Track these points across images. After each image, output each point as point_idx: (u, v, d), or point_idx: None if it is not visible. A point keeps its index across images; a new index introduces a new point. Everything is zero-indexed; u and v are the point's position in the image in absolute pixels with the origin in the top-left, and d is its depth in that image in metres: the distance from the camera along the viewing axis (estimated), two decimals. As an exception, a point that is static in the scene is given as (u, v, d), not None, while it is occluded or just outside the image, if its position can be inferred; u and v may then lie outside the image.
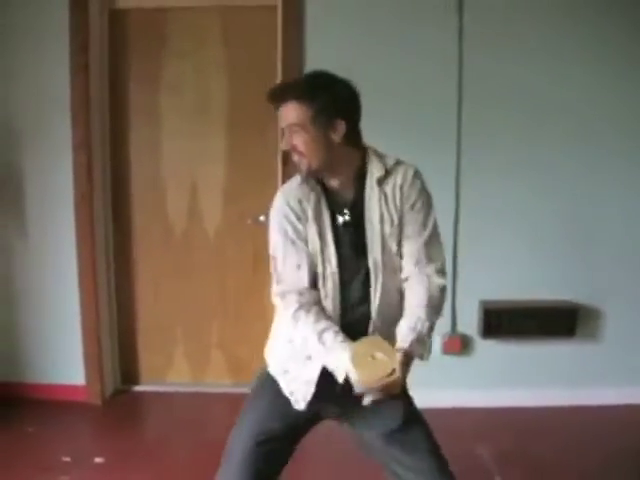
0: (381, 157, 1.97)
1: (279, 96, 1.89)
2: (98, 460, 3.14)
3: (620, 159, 3.63)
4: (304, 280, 1.93)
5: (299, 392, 1.96)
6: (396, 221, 1.93)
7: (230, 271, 3.89)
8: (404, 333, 1.86)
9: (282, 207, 1.95)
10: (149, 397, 3.93)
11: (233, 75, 3.73)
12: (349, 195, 1.96)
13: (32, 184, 3.65)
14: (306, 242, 1.93)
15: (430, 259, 1.95)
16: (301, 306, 1.90)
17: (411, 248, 1.94)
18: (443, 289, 1.96)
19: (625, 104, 3.59)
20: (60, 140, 3.57)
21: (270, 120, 3.60)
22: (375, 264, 1.92)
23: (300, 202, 1.93)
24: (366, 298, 1.94)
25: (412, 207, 1.94)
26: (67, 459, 3.13)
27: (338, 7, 3.51)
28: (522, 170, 3.61)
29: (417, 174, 1.96)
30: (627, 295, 3.72)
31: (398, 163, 1.97)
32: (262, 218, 3.74)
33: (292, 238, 1.93)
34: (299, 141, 1.87)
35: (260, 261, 3.84)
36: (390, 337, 1.87)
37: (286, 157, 3.57)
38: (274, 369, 2.06)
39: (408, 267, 1.95)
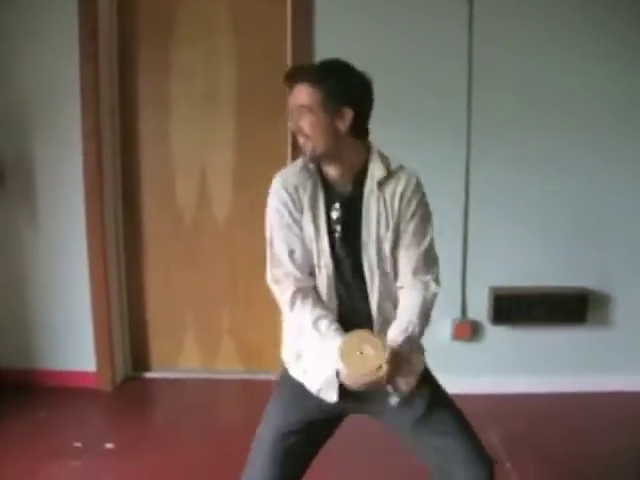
0: (384, 158, 1.96)
1: (293, 77, 1.92)
2: (109, 446, 3.16)
3: (629, 148, 3.62)
4: (299, 266, 1.93)
5: (323, 386, 1.93)
6: (392, 226, 1.92)
7: (240, 258, 3.90)
8: (395, 333, 1.86)
9: (279, 191, 1.94)
10: (159, 383, 3.95)
11: (242, 63, 3.73)
12: (346, 189, 1.95)
13: (42, 173, 3.66)
14: (301, 229, 1.92)
15: (427, 267, 1.96)
16: (298, 290, 1.91)
17: (409, 257, 1.94)
18: (435, 296, 1.96)
19: (632, 95, 3.58)
20: (70, 129, 3.58)
21: (279, 108, 3.61)
22: (370, 264, 1.92)
23: (297, 189, 1.93)
24: (362, 296, 1.94)
25: (412, 216, 1.93)
26: (78, 444, 3.16)
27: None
28: (532, 159, 3.60)
29: (420, 183, 1.96)
30: (638, 281, 3.71)
31: (401, 168, 1.96)
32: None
33: (288, 223, 1.92)
34: (306, 123, 1.88)
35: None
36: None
37: (295, 144, 3.56)
38: (294, 371, 2.04)
39: (405, 276, 1.95)
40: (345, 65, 1.91)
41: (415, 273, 1.94)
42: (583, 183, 3.63)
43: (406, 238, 1.93)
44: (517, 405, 3.56)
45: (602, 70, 3.55)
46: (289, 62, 3.52)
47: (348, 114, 1.87)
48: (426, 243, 1.96)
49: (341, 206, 1.93)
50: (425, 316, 1.92)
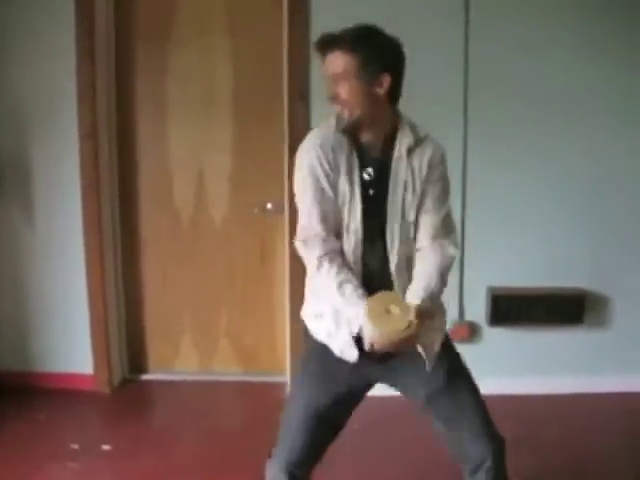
0: (413, 126, 1.99)
1: (326, 45, 1.91)
2: (106, 447, 3.15)
3: (624, 148, 3.62)
4: (329, 229, 1.93)
5: (345, 344, 1.95)
6: (418, 191, 1.95)
7: (237, 260, 3.89)
8: (416, 289, 1.89)
9: (316, 152, 1.92)
10: (157, 386, 3.95)
11: (239, 64, 3.72)
12: (377, 153, 1.96)
13: (39, 173, 3.65)
14: (336, 193, 1.92)
15: (446, 232, 2.00)
16: (325, 253, 1.91)
17: (430, 221, 1.98)
18: (453, 259, 2.00)
19: (627, 94, 3.58)
20: (67, 129, 3.57)
21: (276, 109, 3.62)
22: (392, 228, 1.94)
23: (333, 150, 1.92)
24: (385, 259, 1.95)
25: (436, 182, 1.98)
26: (75, 446, 3.15)
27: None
28: (528, 159, 3.60)
29: (445, 156, 2.02)
30: (635, 282, 3.71)
31: (428, 137, 2.00)
32: (269, 206, 3.75)
33: (323, 186, 1.91)
34: (343, 90, 1.88)
35: (268, 249, 3.86)
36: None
37: (293, 145, 3.56)
38: (317, 332, 2.04)
39: (424, 239, 1.98)
40: (378, 31, 1.93)
41: (434, 237, 1.98)
42: (580, 184, 3.63)
43: (428, 202, 1.97)
44: (514, 406, 3.55)
45: (597, 69, 3.55)
46: (285, 64, 3.52)
47: (386, 80, 1.88)
48: (446, 209, 2.01)
49: (373, 170, 1.95)
50: (442, 276, 1.96)
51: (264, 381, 3.91)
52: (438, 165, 1.98)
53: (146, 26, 3.72)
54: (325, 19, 3.47)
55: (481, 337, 3.73)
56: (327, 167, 1.90)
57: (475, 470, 1.98)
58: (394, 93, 1.93)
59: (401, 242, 1.95)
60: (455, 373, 2.02)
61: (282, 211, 3.68)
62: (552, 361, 3.74)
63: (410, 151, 1.94)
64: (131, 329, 4.00)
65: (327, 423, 1.99)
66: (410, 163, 1.94)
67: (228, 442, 3.23)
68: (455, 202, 3.49)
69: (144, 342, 4.02)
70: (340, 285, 1.87)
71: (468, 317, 3.69)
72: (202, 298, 3.95)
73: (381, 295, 1.84)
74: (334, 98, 1.90)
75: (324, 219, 1.92)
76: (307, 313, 2.10)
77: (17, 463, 2.98)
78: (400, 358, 1.92)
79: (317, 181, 1.91)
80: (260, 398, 3.75)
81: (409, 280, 1.95)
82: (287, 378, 3.75)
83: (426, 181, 1.95)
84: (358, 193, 1.92)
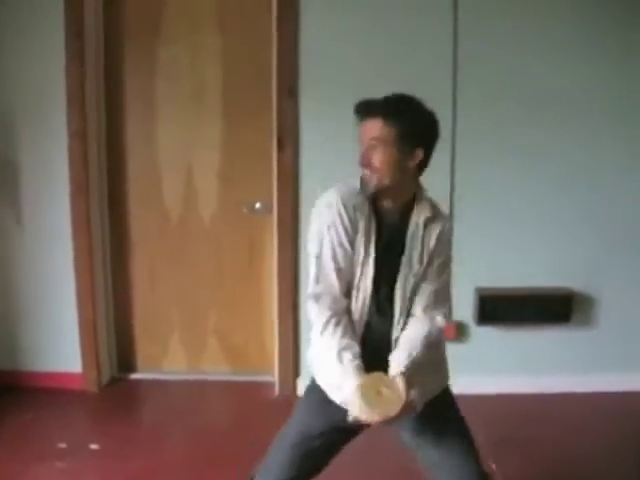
0: (431, 200, 2.03)
1: (367, 110, 1.92)
2: (93, 447, 3.15)
3: (617, 147, 3.63)
4: (342, 285, 1.95)
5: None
6: (424, 263, 1.99)
7: (226, 258, 3.89)
8: (400, 358, 1.90)
9: (338, 208, 1.93)
10: (145, 385, 3.94)
11: (228, 61, 3.72)
12: (393, 220, 1.99)
13: (28, 173, 3.64)
14: (353, 250, 1.94)
15: (439, 303, 2.03)
16: (333, 315, 1.92)
17: (425, 290, 2.01)
18: (440, 330, 2.02)
19: (620, 92, 3.58)
20: (56, 129, 3.56)
21: (265, 107, 3.62)
22: (402, 294, 1.98)
23: (355, 210, 1.94)
24: (388, 323, 1.99)
25: (440, 255, 2.02)
26: (63, 445, 3.15)
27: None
28: (517, 157, 3.61)
29: (451, 227, 2.08)
30: (621, 282, 3.73)
31: (441, 211, 2.06)
32: (258, 206, 3.75)
33: (341, 241, 1.93)
34: (377, 158, 1.89)
35: (256, 248, 3.86)
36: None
37: (281, 144, 3.57)
38: (320, 381, 2.06)
39: (417, 308, 2.01)
40: (420, 105, 1.95)
41: (426, 308, 2.00)
42: (569, 183, 3.64)
43: (428, 272, 2.00)
44: (502, 405, 3.58)
45: (590, 67, 3.55)
46: (274, 62, 3.53)
47: (419, 154, 1.91)
48: (442, 281, 2.04)
49: (389, 235, 1.98)
50: (428, 346, 1.97)
51: (252, 380, 3.91)
52: (446, 238, 2.03)
53: (135, 24, 3.71)
54: (314, 16, 3.49)
55: (469, 336, 3.74)
56: (348, 224, 1.93)
57: None
58: (423, 166, 1.96)
59: (406, 309, 1.99)
60: (446, 414, 2.05)
61: (271, 211, 3.69)
62: (539, 360, 3.76)
63: (426, 224, 1.98)
64: (120, 328, 3.99)
65: (314, 455, 2.00)
66: (424, 235, 1.98)
67: (216, 441, 3.23)
68: (443, 201, 3.49)
69: (133, 341, 4.01)
70: (340, 352, 1.87)
71: (456, 316, 3.69)
72: (191, 297, 3.94)
73: (374, 376, 1.85)
74: (367, 164, 1.91)
75: (339, 274, 1.94)
76: (313, 364, 2.10)
77: (4, 463, 2.97)
78: None
79: (338, 236, 1.93)
80: (248, 397, 3.76)
81: None
82: (275, 377, 3.76)
83: (431, 253, 1.99)
84: (372, 255, 1.95)
